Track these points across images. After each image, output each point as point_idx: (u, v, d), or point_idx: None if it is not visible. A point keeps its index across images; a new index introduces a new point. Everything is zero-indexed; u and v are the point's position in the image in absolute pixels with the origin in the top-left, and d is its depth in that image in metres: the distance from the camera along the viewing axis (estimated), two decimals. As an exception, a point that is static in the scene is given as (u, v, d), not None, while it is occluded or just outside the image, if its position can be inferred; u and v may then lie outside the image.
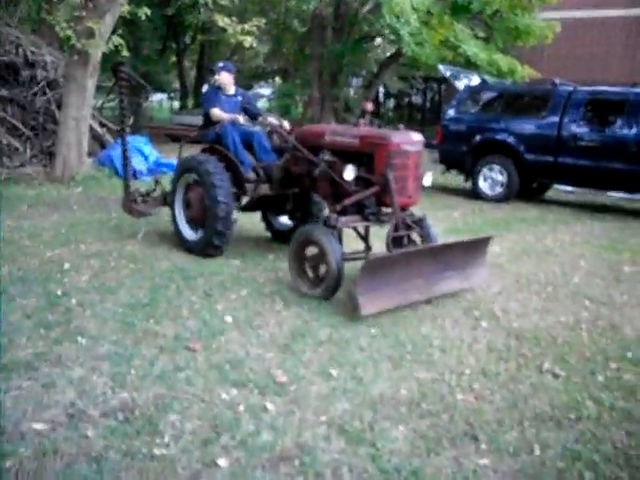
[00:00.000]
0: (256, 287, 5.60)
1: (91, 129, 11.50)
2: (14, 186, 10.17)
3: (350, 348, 4.40)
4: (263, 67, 24.29)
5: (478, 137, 11.45)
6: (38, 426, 3.18)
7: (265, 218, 7.62)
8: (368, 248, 6.06)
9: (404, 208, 5.66)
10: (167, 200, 7.18)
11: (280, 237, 7.43)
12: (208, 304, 5.11)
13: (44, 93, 11.68)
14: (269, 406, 3.52)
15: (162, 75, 20.85)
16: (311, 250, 5.46)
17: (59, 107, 11.32)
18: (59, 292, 5.19)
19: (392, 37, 15.13)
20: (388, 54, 22.41)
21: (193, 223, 6.74)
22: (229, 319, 4.81)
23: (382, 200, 5.59)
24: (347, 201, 5.59)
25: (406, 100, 28.66)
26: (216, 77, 7.18)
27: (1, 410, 3.29)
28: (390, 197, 5.44)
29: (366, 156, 5.70)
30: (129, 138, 12.12)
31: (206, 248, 6.45)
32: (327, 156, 5.89)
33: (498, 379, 4.05)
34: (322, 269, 5.36)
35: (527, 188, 11.63)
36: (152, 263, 6.21)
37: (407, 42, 14.64)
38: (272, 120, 6.93)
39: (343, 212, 5.64)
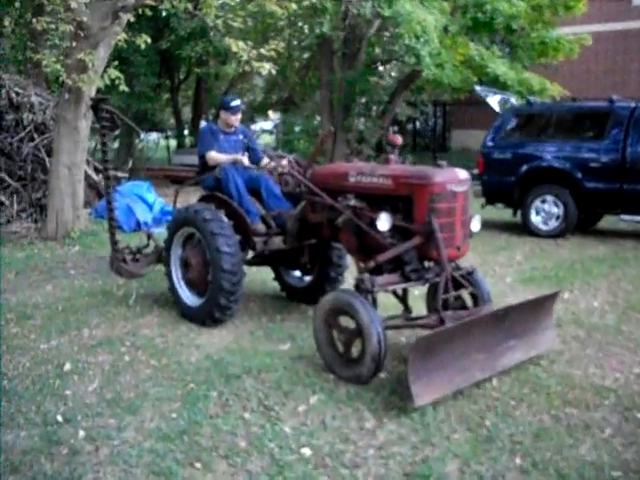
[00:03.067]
0: (327, 389, 4.12)
1: (86, 176, 10.06)
2: (-1, 247, 8.71)
3: (502, 500, 2.93)
4: (264, 100, 23.00)
5: (527, 165, 10.05)
6: None
7: (277, 275, 6.40)
8: (408, 311, 4.85)
9: (450, 262, 4.58)
10: (162, 257, 6.00)
11: (297, 296, 6.25)
12: (270, 426, 3.62)
13: (32, 139, 10.26)
14: None
15: (158, 113, 19.59)
16: (342, 322, 4.32)
17: (49, 154, 9.91)
18: (59, 417, 3.69)
19: (409, 59, 13.76)
20: (392, 79, 21.25)
21: (193, 287, 5.60)
22: (307, 452, 3.34)
23: (425, 254, 4.54)
24: (382, 257, 4.44)
25: (409, 127, 27.41)
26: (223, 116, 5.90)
27: None
28: (437, 250, 4.39)
29: (402, 200, 4.64)
30: (129, 184, 10.85)
31: (211, 313, 5.28)
32: (353, 201, 4.75)
33: None
34: (358, 346, 4.20)
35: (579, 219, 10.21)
36: (178, 355, 4.73)
37: (427, 64, 13.39)
38: (282, 161, 5.73)
39: (377, 270, 4.51)
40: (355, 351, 4.25)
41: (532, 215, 10.05)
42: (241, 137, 6.00)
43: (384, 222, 4.48)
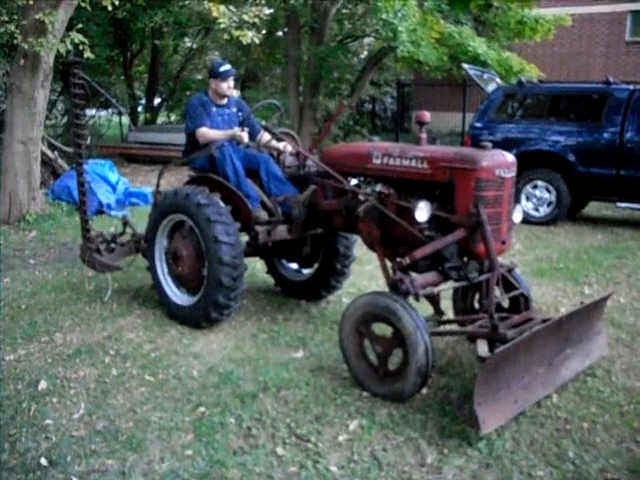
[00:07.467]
0: (364, 410, 3.45)
1: (41, 154, 9.05)
2: (-57, 233, 7.70)
3: None
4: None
5: (517, 149, 9.48)
6: None
7: (271, 267, 5.69)
8: (439, 313, 4.17)
9: None
10: (141, 247, 5.31)
11: (294, 291, 5.55)
12: (312, 464, 2.92)
13: (-22, 110, 9.22)
14: None
15: (112, 87, 18.37)
16: (377, 330, 3.70)
17: (-1, 128, 8.89)
18: (43, 459, 2.91)
19: (385, 34, 13.06)
20: (357, 57, 20.52)
21: (183, 283, 4.86)
22: (367, 503, 2.67)
23: (468, 248, 3.93)
24: (420, 252, 3.78)
25: (369, 107, 26.71)
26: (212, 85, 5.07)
27: None
28: (485, 244, 3.80)
29: (440, 187, 4.01)
30: (90, 163, 9.82)
31: (207, 313, 4.55)
32: (379, 187, 4.16)
33: None
34: (398, 357, 3.56)
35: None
36: (176, 367, 3.97)
37: (403, 40, 12.71)
38: (285, 138, 5.04)
39: (411, 268, 3.89)
40: (392, 363, 3.61)
41: (522, 201, 9.54)
42: (235, 110, 5.22)
43: (423, 212, 3.83)
